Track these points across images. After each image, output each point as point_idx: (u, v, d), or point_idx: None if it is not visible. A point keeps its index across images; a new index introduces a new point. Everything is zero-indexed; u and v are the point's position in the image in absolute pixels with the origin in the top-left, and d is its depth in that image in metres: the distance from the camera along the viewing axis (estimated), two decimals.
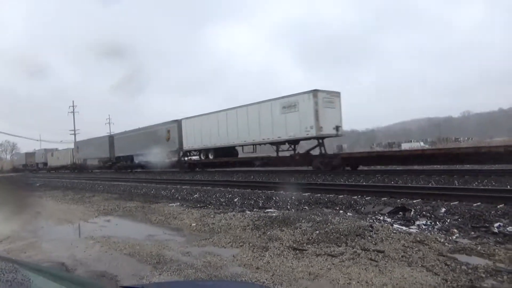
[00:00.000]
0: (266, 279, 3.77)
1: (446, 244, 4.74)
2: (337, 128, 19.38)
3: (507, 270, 3.67)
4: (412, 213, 6.74)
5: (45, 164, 54.21)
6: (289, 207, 8.39)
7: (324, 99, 18.97)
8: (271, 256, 4.61)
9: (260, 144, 22.48)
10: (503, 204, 6.79)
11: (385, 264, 4.01)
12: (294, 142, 20.53)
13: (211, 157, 26.51)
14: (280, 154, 21.60)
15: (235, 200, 9.94)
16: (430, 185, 10.46)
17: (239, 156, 25.01)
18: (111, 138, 38.09)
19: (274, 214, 7.16)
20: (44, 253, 5.52)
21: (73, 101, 61.89)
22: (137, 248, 5.44)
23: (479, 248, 4.47)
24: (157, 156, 28.13)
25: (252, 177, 18.04)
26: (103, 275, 4.24)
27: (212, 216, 7.71)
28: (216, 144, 25.13)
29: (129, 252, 5.26)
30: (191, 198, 11.31)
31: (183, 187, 14.09)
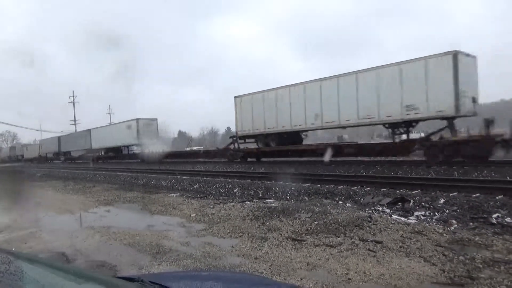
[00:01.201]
0: (264, 269, 3.79)
1: (444, 234, 4.76)
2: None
3: (504, 260, 3.68)
4: (411, 204, 6.76)
5: (22, 156, 60.99)
6: (288, 197, 8.40)
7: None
8: (269, 246, 4.63)
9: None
10: (502, 195, 6.80)
11: (383, 254, 4.03)
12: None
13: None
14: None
15: (235, 190, 9.96)
16: (429, 175, 10.47)
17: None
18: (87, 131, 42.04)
19: (273, 205, 7.18)
20: (44, 243, 5.55)
21: (73, 91, 61.71)
22: (137, 238, 5.47)
23: (477, 238, 4.49)
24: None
25: (251, 168, 18.04)
26: (103, 265, 4.27)
27: (211, 206, 7.73)
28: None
29: (128, 242, 5.28)
30: (191, 188, 11.33)
31: (183, 177, 14.11)
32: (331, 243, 4.57)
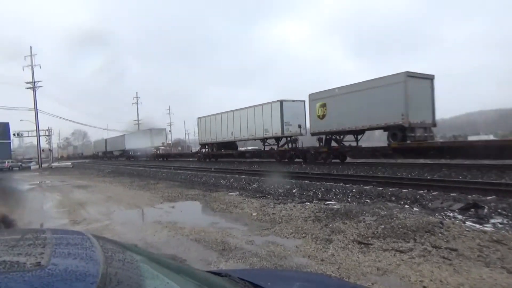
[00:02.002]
0: (332, 272, 3.74)
1: None
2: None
3: None
4: (485, 210, 6.30)
5: (82, 153, 73.06)
6: (349, 199, 8.22)
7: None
8: (335, 248, 4.56)
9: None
10: None
11: (460, 263, 3.80)
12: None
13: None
14: None
15: (294, 191, 9.93)
16: (503, 180, 9.69)
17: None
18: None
19: (335, 207, 7.06)
20: (118, 235, 5.91)
21: (136, 93, 65.54)
22: (202, 234, 5.65)
23: None
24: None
25: (308, 168, 17.88)
26: (173, 259, 4.46)
27: (272, 206, 7.78)
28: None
29: (195, 238, 5.47)
30: (250, 187, 11.48)
31: (241, 176, 14.34)
32: (401, 248, 4.40)
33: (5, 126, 48.26)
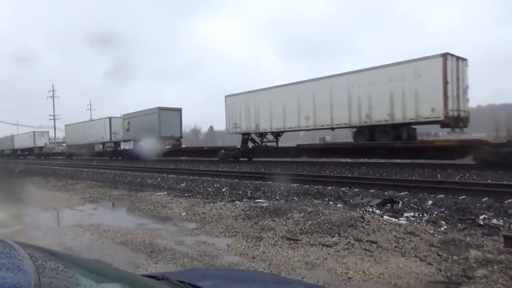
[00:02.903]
0: (263, 268, 3.80)
1: (436, 235, 4.86)
2: None
3: (496, 260, 3.80)
4: (400, 205, 6.89)
5: None
6: (278, 197, 8.43)
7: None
8: (265, 245, 4.64)
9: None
10: (487, 198, 7.00)
11: (380, 254, 4.10)
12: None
13: None
14: None
15: (223, 190, 9.93)
16: (413, 177, 10.69)
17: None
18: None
19: (264, 205, 7.19)
20: (32, 241, 5.38)
21: (52, 85, 60.43)
22: (128, 236, 5.38)
23: (468, 239, 4.61)
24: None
25: (237, 167, 18.04)
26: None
27: (201, 205, 7.69)
28: None
29: (121, 240, 5.20)
30: (178, 187, 11.23)
31: (169, 176, 13.98)
32: (327, 242, 4.62)
33: None
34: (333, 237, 4.86)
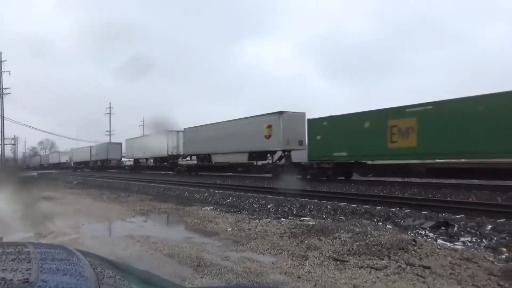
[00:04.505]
0: None
1: (496, 263, 4.52)
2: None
3: None
4: (455, 228, 6.48)
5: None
6: (324, 216, 8.27)
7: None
8: (311, 265, 4.54)
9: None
10: None
11: (433, 281, 3.87)
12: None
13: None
14: None
15: (269, 206, 9.91)
16: (470, 199, 10.04)
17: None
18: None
19: (310, 223, 7.08)
20: (87, 249, 5.65)
21: (109, 103, 64.50)
22: (176, 249, 5.51)
23: None
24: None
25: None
26: None
27: (247, 221, 7.71)
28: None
29: (168, 253, 5.33)
30: (224, 202, 11.37)
31: (216, 191, 14.21)
32: (376, 265, 4.44)
33: None
34: (383, 260, 4.66)
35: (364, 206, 8.92)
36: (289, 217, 8.19)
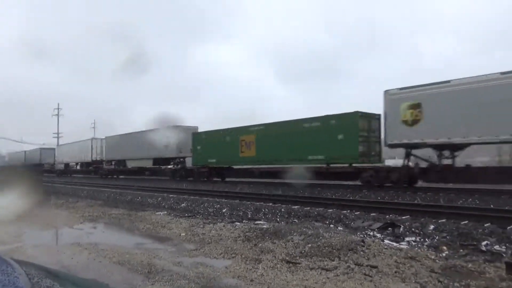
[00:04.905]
0: None
1: (437, 261, 4.80)
2: None
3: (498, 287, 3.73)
4: (401, 229, 6.81)
5: None
6: (278, 219, 8.37)
7: None
8: (264, 268, 4.58)
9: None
10: (489, 223, 6.92)
11: (380, 279, 4.03)
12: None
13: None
14: None
15: (224, 210, 9.87)
16: (415, 201, 10.60)
17: None
18: None
19: (264, 226, 7.14)
20: (29, 259, 5.33)
21: (58, 104, 60.93)
22: (126, 256, 5.33)
23: (469, 266, 4.54)
24: None
25: (238, 188, 17.97)
26: None
27: (201, 226, 7.63)
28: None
29: (118, 260, 5.15)
30: (178, 207, 11.18)
31: (170, 195, 13.93)
32: (326, 266, 4.56)
33: None
34: (333, 260, 4.80)
35: (317, 209, 9.13)
36: (244, 221, 8.21)
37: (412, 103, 14.19)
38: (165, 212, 10.05)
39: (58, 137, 58.32)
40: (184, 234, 6.94)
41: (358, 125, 15.38)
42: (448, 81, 13.54)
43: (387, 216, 7.95)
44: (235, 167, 22.34)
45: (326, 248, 5.32)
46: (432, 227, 6.86)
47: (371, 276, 4.12)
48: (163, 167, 27.38)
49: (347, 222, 7.73)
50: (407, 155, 14.95)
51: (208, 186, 18.92)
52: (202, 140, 23.54)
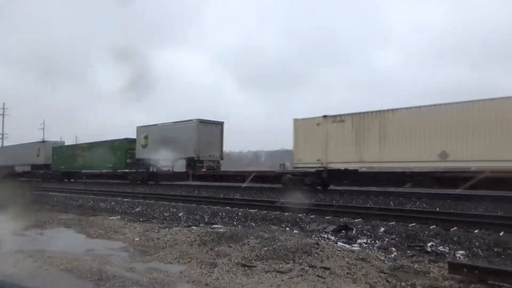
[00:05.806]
0: None
1: (386, 262, 5.00)
2: None
3: (441, 286, 3.95)
4: (354, 231, 7.04)
5: None
6: (235, 223, 8.36)
7: None
8: (220, 272, 4.55)
9: None
10: (435, 225, 7.32)
11: (332, 280, 4.14)
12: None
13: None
14: None
15: (180, 214, 9.72)
16: (368, 205, 11.01)
17: None
18: None
19: (221, 230, 7.10)
20: None
21: (3, 103, 57.36)
22: (75, 263, 5.09)
23: (415, 266, 4.77)
24: None
25: (195, 192, 17.78)
26: None
27: (156, 230, 7.45)
28: None
29: (66, 267, 4.90)
30: (133, 211, 10.86)
31: (124, 199, 13.51)
32: (281, 269, 4.60)
33: None
34: (288, 263, 4.86)
35: (274, 213, 9.23)
36: (200, 225, 8.12)
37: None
38: (119, 217, 9.72)
39: (2, 138, 54.92)
40: (138, 239, 6.74)
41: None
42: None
43: (341, 219, 8.19)
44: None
45: (282, 251, 5.38)
46: (382, 229, 7.15)
47: (324, 278, 4.21)
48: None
49: (302, 225, 7.87)
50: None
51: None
52: (57, 152, 35.19)
